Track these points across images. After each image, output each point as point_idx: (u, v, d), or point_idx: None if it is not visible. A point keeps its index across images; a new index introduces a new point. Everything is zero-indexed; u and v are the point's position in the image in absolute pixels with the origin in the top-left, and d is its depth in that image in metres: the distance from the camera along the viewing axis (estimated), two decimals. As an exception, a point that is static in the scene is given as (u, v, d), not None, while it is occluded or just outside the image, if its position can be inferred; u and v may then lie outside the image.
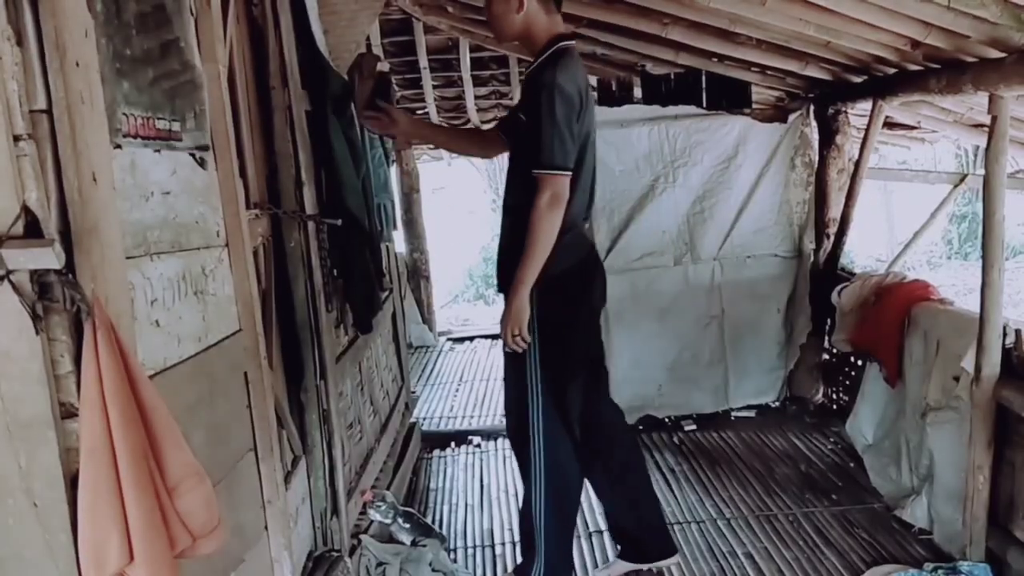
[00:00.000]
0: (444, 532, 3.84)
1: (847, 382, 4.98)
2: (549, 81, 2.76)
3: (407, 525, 2.98)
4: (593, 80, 5.45)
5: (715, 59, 4.70)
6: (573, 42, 2.96)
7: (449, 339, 8.20)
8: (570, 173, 2.81)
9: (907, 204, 14.55)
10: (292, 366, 2.87)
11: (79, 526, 1.29)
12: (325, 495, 3.00)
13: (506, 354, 3.05)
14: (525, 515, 3.11)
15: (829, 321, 4.96)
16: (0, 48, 1.20)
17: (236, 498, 2.04)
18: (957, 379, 3.31)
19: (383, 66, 3.84)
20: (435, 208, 11.03)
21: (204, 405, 1.87)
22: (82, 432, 1.29)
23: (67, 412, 1.31)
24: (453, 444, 5.02)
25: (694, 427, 5.06)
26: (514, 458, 3.26)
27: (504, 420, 3.37)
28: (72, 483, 1.31)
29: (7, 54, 1.21)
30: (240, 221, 2.13)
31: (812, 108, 5.06)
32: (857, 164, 4.79)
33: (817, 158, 5.11)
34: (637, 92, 5.16)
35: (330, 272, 3.28)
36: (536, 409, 2.96)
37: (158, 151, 1.70)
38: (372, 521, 3.11)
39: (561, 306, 2.97)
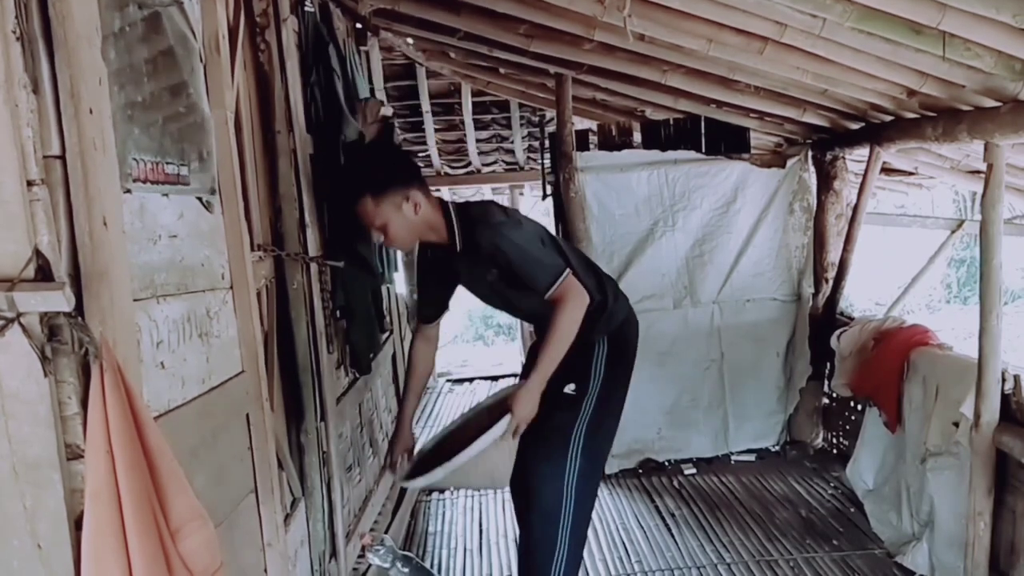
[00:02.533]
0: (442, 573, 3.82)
1: (847, 426, 4.97)
2: (492, 235, 2.77)
3: (405, 570, 2.97)
4: (593, 125, 5.51)
5: (714, 105, 4.75)
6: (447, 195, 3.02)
7: (448, 380, 8.20)
8: (566, 267, 2.81)
9: (906, 249, 14.60)
10: (293, 407, 2.88)
11: (83, 568, 1.30)
12: (324, 538, 3.00)
13: (551, 402, 2.90)
14: (533, 566, 3.01)
15: (828, 365, 4.97)
16: (16, 96, 1.23)
17: (236, 540, 2.04)
18: (957, 425, 3.31)
19: (386, 111, 3.90)
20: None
21: (207, 447, 1.88)
22: (87, 474, 1.30)
23: (73, 454, 1.32)
24: (452, 487, 5.00)
25: (694, 471, 5.05)
26: (512, 506, 3.24)
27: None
28: (77, 525, 1.31)
29: (23, 102, 1.24)
30: (245, 264, 2.15)
31: (810, 154, 5.11)
32: (855, 209, 4.82)
33: (815, 203, 5.15)
34: (637, 137, 5.21)
35: (332, 313, 3.29)
36: (574, 462, 2.93)
37: (166, 195, 1.72)
38: (371, 565, 3.10)
39: (619, 364, 3.07)
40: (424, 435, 6.19)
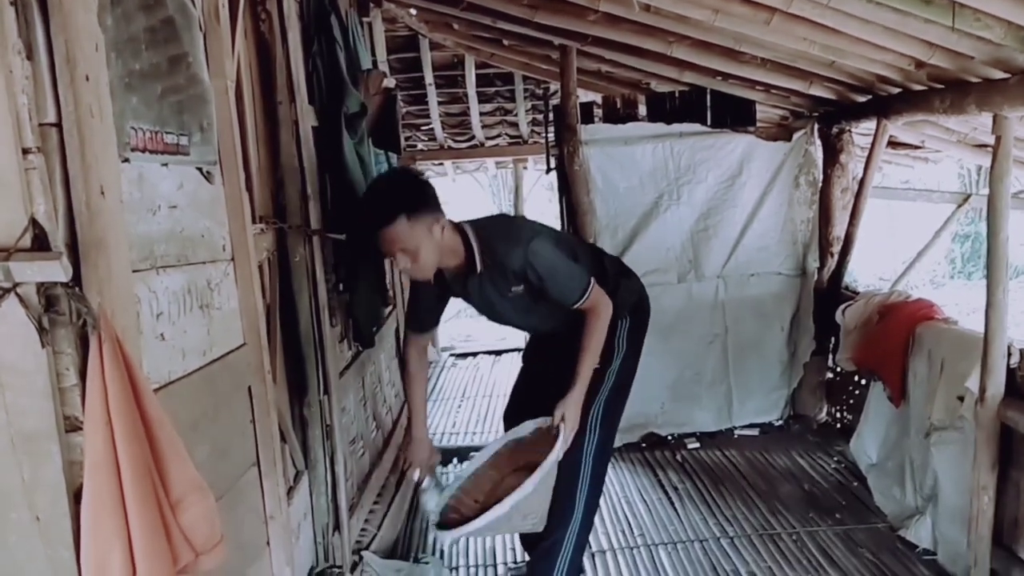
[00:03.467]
0: (446, 551, 3.82)
1: (851, 401, 4.96)
2: (523, 254, 2.76)
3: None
4: (597, 97, 5.47)
5: (720, 77, 4.71)
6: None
7: (452, 355, 8.20)
8: (591, 277, 2.86)
9: (911, 223, 14.55)
10: (296, 381, 2.87)
11: (82, 541, 1.29)
12: (327, 510, 3.00)
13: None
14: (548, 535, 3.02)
15: (833, 340, 4.95)
16: (11, 62, 1.21)
17: (238, 513, 2.04)
18: (961, 399, 3.30)
19: (389, 82, 3.87)
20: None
21: (208, 419, 1.87)
22: (86, 446, 1.29)
23: (71, 425, 1.31)
24: (456, 460, 5.00)
25: (697, 445, 5.04)
26: None
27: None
28: (76, 497, 1.31)
29: (17, 68, 1.22)
30: (246, 235, 2.14)
31: (816, 127, 5.06)
32: (861, 183, 4.79)
33: (821, 177, 5.10)
34: (642, 110, 5.16)
35: (334, 286, 3.28)
36: (592, 435, 2.98)
37: (166, 165, 1.70)
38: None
39: (639, 338, 3.20)
40: (433, 412, 6.19)
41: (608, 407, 3.03)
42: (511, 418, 3.25)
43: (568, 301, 2.83)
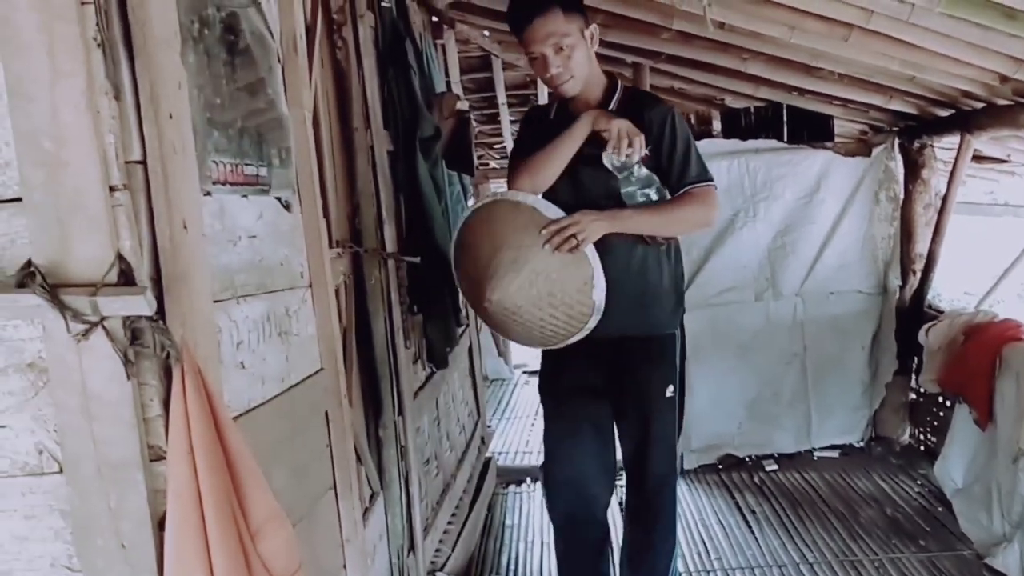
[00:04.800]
0: (518, 571, 3.81)
1: (935, 423, 4.83)
2: (666, 112, 2.66)
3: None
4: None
5: (796, 93, 4.65)
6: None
7: (525, 372, 8.19)
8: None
9: (998, 238, 14.11)
10: (371, 402, 2.89)
11: (165, 568, 1.31)
12: (402, 532, 3.01)
13: (655, 408, 2.83)
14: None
15: (916, 360, 4.83)
16: (99, 102, 1.24)
17: (315, 537, 2.06)
18: (1052, 424, 3.19)
19: (462, 104, 3.90)
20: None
21: (286, 445, 1.89)
22: (169, 475, 1.31)
23: (155, 455, 1.34)
24: (529, 480, 5.00)
25: (775, 467, 4.95)
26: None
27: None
28: (159, 525, 1.33)
29: (105, 108, 1.25)
30: (323, 262, 2.16)
31: (897, 142, 4.96)
32: (944, 199, 4.67)
33: (902, 192, 5.00)
34: (716, 126, 5.12)
35: (408, 308, 3.31)
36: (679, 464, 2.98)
37: (245, 196, 1.74)
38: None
39: (683, 346, 3.01)
40: (500, 427, 6.20)
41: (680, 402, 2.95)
42: (575, 496, 2.96)
43: (687, 174, 2.63)
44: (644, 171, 2.62)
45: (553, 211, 2.52)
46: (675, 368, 2.87)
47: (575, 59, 2.56)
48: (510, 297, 2.50)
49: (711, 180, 2.68)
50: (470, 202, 5.15)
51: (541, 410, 3.10)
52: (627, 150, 2.53)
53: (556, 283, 2.50)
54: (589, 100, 2.69)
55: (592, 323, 2.58)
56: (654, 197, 2.65)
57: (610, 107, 2.67)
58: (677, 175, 2.65)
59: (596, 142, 2.60)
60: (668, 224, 2.69)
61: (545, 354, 2.99)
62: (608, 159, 2.57)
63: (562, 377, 2.93)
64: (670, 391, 2.83)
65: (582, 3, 2.63)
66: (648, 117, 2.62)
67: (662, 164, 2.65)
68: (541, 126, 2.78)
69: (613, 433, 2.95)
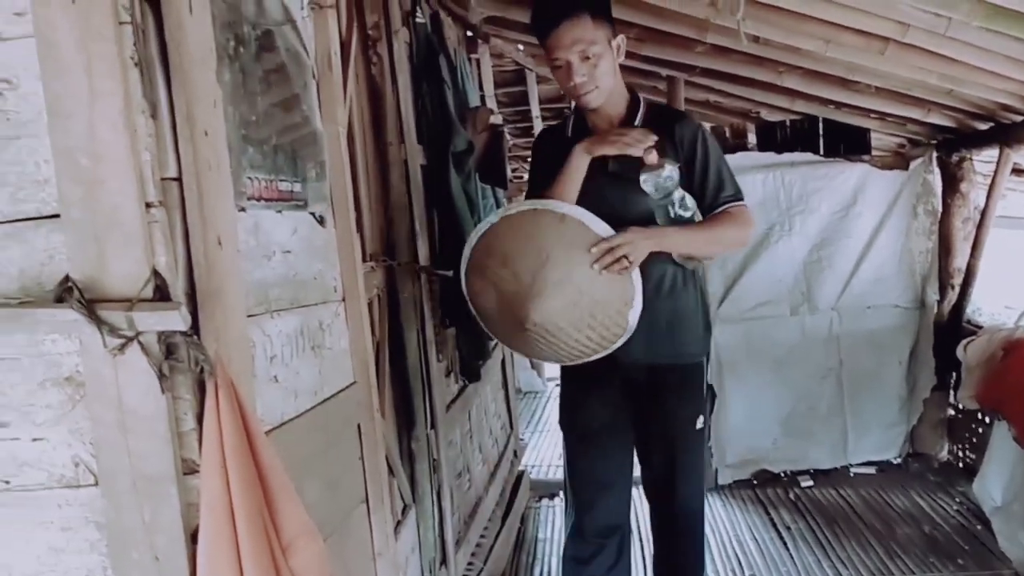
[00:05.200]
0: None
1: (974, 439, 4.75)
2: (695, 128, 2.57)
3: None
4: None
5: (832, 106, 4.61)
6: None
7: (558, 384, 8.16)
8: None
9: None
10: (404, 414, 2.90)
11: (198, 581, 1.33)
12: (434, 545, 3.02)
13: (685, 441, 2.74)
14: None
15: (954, 375, 4.76)
16: (136, 121, 1.26)
17: (347, 551, 2.06)
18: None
19: (496, 119, 3.91)
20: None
21: (318, 458, 1.90)
22: (202, 488, 1.33)
23: (189, 468, 1.35)
24: (562, 493, 4.97)
25: (811, 483, 4.90)
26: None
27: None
28: (192, 538, 1.34)
29: (142, 126, 1.27)
30: (357, 276, 2.18)
31: (935, 155, 4.90)
32: (983, 213, 4.61)
33: (940, 206, 4.94)
34: (752, 138, 5.09)
35: (441, 322, 3.32)
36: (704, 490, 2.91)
37: (280, 212, 1.75)
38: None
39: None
40: (532, 440, 6.18)
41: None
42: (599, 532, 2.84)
43: (722, 193, 2.53)
44: (681, 192, 2.48)
45: (601, 227, 2.36)
46: (704, 398, 2.79)
47: (601, 69, 2.43)
48: (553, 319, 2.35)
49: (743, 199, 2.61)
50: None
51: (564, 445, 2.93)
52: (661, 164, 2.39)
53: (599, 304, 2.37)
54: (611, 115, 2.58)
55: (620, 343, 2.46)
56: (686, 216, 2.51)
57: (636, 123, 2.57)
58: (712, 193, 2.55)
59: (620, 158, 2.49)
60: (709, 244, 2.60)
61: (567, 385, 2.90)
62: (650, 183, 2.42)
63: (587, 411, 2.80)
64: (699, 423, 2.74)
65: (610, 11, 2.52)
66: (679, 133, 2.54)
67: (694, 181, 2.54)
68: (560, 146, 2.60)
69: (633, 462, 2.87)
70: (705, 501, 2.90)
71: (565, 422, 2.91)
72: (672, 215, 2.49)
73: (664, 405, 2.71)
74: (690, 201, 2.51)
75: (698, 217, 2.56)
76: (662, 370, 2.68)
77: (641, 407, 2.75)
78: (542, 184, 2.58)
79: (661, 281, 2.59)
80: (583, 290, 2.34)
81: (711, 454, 4.81)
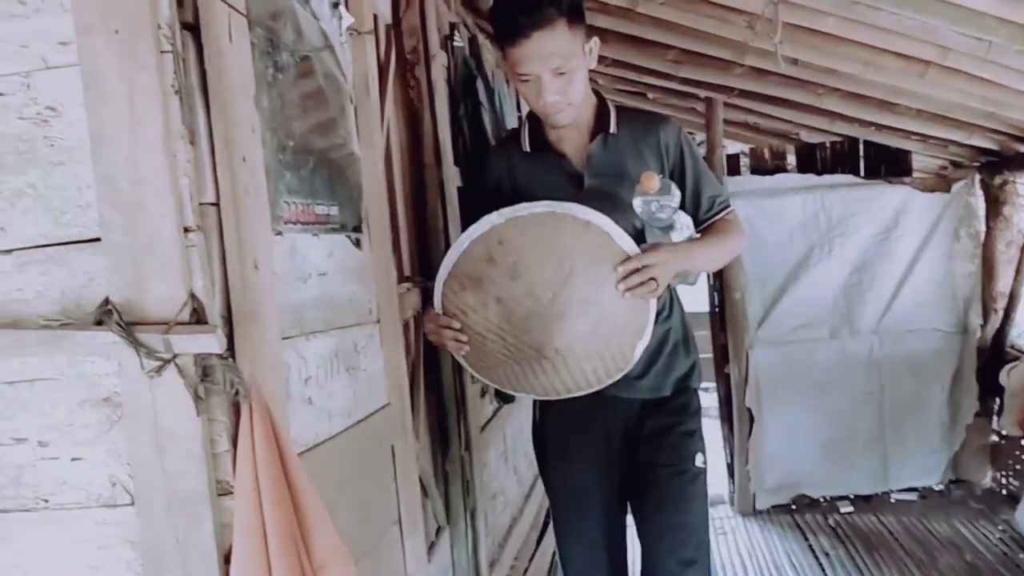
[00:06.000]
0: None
1: (1018, 466, 4.67)
2: (675, 131, 2.30)
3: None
4: (745, 148, 5.40)
5: (873, 127, 4.58)
6: None
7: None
8: None
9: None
10: (438, 435, 2.91)
11: (230, 602, 1.34)
12: (468, 567, 3.01)
13: (685, 483, 2.38)
14: None
15: (997, 401, 4.69)
16: (175, 147, 1.29)
17: (379, 572, 2.07)
18: None
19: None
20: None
21: (351, 480, 1.91)
22: (236, 510, 1.34)
23: (223, 489, 1.37)
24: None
25: (851, 509, 4.84)
26: None
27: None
28: (225, 559, 1.35)
29: (181, 152, 1.29)
30: (392, 298, 2.19)
31: (978, 177, 4.85)
32: (1028, 236, 4.55)
33: (984, 229, 4.88)
34: (791, 160, 5.07)
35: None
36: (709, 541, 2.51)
37: (316, 235, 1.77)
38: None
39: None
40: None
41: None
42: None
43: (716, 199, 2.31)
44: (683, 215, 2.20)
45: (627, 242, 2.07)
46: (702, 432, 2.47)
47: (575, 84, 2.12)
48: (575, 346, 2.10)
49: (729, 201, 2.39)
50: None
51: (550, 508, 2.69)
52: (665, 188, 2.06)
53: (615, 332, 2.11)
54: (578, 123, 2.27)
55: (617, 378, 2.20)
56: (684, 238, 2.20)
57: (610, 131, 2.26)
58: (708, 202, 2.31)
59: (597, 167, 2.26)
60: (724, 259, 2.42)
61: (546, 427, 2.60)
62: (643, 207, 2.09)
63: (576, 465, 2.50)
64: (699, 460, 2.41)
65: (584, 13, 2.16)
66: (664, 140, 2.26)
67: (686, 191, 2.26)
68: (516, 162, 2.37)
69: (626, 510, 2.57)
70: (710, 552, 2.53)
71: (549, 480, 2.63)
72: (673, 236, 2.18)
73: (661, 443, 2.40)
74: (686, 219, 2.23)
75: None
76: (656, 404, 2.42)
77: (634, 449, 2.45)
78: (485, 207, 2.19)
79: (658, 303, 2.24)
80: (606, 314, 2.08)
81: (749, 478, 4.77)
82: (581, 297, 2.05)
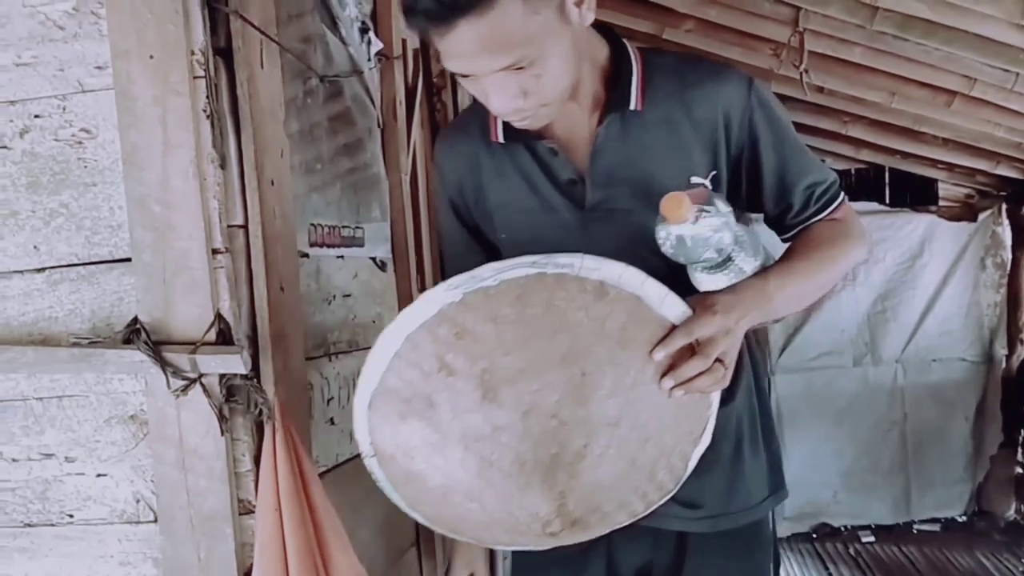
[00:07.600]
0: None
1: (1043, 499, 4.62)
2: (746, 83, 1.44)
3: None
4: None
5: (898, 156, 4.57)
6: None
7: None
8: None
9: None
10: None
11: (250, 621, 1.35)
12: (485, 589, 3.00)
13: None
14: None
15: (1022, 432, 4.65)
16: (205, 170, 1.31)
17: (398, 595, 2.08)
18: None
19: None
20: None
21: (370, 501, 1.91)
22: (257, 529, 1.35)
23: (245, 508, 1.38)
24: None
25: (872, 539, 4.80)
26: None
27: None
28: (245, 577, 1.37)
29: (211, 175, 1.32)
30: (415, 321, 2.20)
31: (1005, 207, 4.83)
32: (1055, 266, 4.52)
33: (1010, 259, 4.85)
34: (816, 188, 5.07)
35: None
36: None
37: (341, 257, 1.80)
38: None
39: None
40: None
41: None
42: None
43: (816, 187, 1.48)
44: (740, 237, 1.30)
45: (670, 303, 1.24)
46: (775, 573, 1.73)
47: (549, 77, 1.27)
48: (604, 502, 1.32)
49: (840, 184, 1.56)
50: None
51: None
52: (709, 204, 1.22)
53: (663, 453, 1.32)
54: (580, 95, 1.42)
55: (664, 500, 1.37)
56: (752, 262, 1.35)
57: (629, 106, 1.41)
58: (802, 196, 1.48)
59: (609, 167, 1.43)
60: (823, 286, 1.56)
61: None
62: (675, 246, 1.25)
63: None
64: None
65: None
66: (723, 109, 1.42)
67: (764, 183, 1.48)
68: (483, 160, 1.53)
69: None
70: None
71: None
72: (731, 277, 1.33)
73: None
74: (751, 238, 1.34)
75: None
76: (707, 539, 1.56)
77: None
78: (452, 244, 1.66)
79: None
80: (647, 431, 1.28)
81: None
82: (605, 418, 1.24)
